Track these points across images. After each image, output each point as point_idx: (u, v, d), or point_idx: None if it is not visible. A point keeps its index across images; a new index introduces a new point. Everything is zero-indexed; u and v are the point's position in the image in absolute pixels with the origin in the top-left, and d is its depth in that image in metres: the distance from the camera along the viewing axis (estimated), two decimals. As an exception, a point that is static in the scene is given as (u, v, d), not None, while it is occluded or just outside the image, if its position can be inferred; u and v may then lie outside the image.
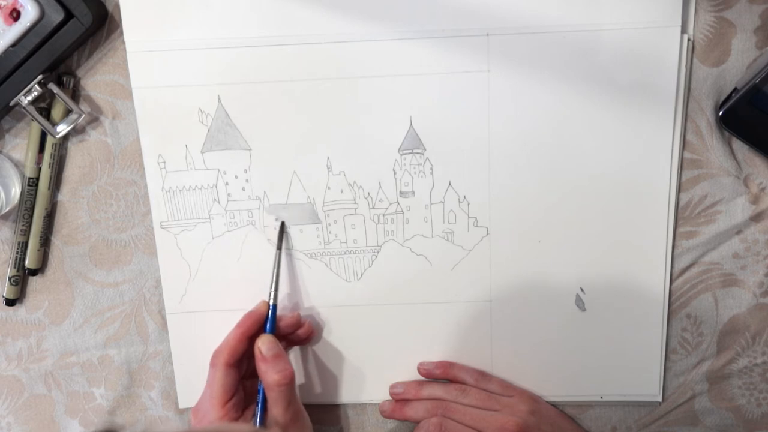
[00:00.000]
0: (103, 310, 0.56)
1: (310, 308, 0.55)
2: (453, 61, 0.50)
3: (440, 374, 0.54)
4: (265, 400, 0.49)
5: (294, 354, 0.56)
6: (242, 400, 0.50)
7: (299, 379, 0.56)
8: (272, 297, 0.51)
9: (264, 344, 0.49)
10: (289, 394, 0.48)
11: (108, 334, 0.56)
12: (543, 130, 0.51)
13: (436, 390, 0.53)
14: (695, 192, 0.52)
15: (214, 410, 0.48)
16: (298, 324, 0.53)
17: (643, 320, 0.54)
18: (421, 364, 0.55)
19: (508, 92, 0.50)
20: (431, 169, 0.52)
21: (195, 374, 0.53)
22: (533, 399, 0.54)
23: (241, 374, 0.51)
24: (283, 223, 0.53)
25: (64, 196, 0.54)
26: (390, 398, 0.55)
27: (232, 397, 0.49)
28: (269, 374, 0.48)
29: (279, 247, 0.52)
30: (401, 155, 0.52)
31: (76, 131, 0.53)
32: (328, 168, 0.52)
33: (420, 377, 0.55)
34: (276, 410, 0.48)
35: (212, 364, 0.50)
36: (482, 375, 0.54)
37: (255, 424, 0.49)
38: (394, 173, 0.52)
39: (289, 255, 0.54)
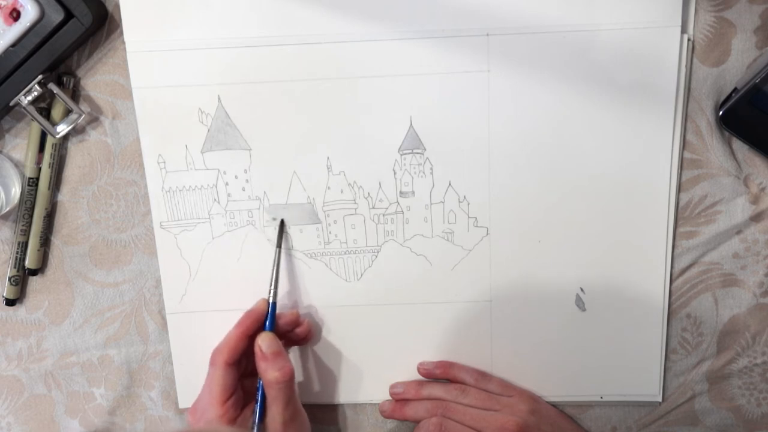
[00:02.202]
0: (103, 310, 0.56)
1: (310, 308, 0.55)
2: (453, 61, 0.50)
3: (440, 374, 0.54)
4: (264, 398, 0.49)
5: (294, 354, 0.56)
6: (241, 399, 0.50)
7: (299, 378, 0.56)
8: (272, 295, 0.51)
9: (264, 342, 0.49)
10: (289, 392, 0.48)
11: (108, 334, 0.56)
12: (543, 130, 0.51)
13: (436, 390, 0.53)
14: (695, 192, 0.52)
15: (213, 409, 0.48)
16: (297, 322, 0.53)
17: (643, 320, 0.54)
18: (421, 364, 0.55)
19: (508, 92, 0.50)
20: (431, 169, 0.52)
21: (195, 374, 0.53)
22: (533, 399, 0.54)
23: (240, 373, 0.51)
24: (282, 221, 0.53)
25: (64, 196, 0.54)
26: (390, 398, 0.55)
27: (231, 396, 0.49)
28: (269, 372, 0.48)
29: (279, 245, 0.52)
30: (401, 155, 0.52)
31: (76, 131, 0.53)
32: (328, 168, 0.52)
33: (420, 377, 0.55)
34: (275, 408, 0.48)
35: (212, 362, 0.50)
36: (482, 375, 0.54)
37: (254, 422, 0.49)
38: (394, 173, 0.52)
39: (289, 255, 0.54)
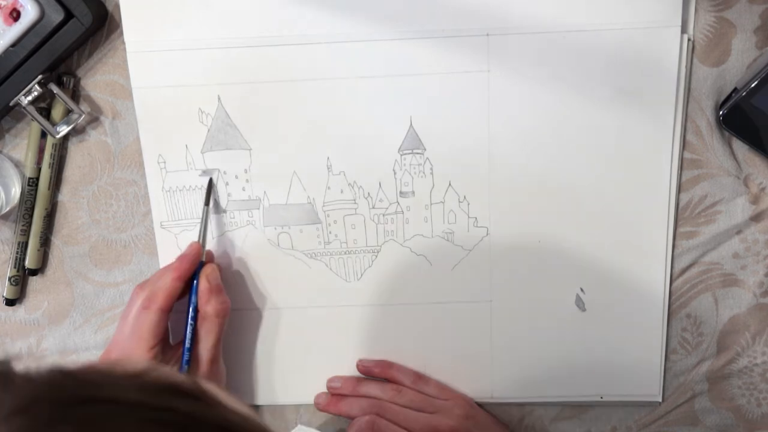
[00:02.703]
0: (103, 310, 0.56)
1: (311, 308, 0.55)
2: (453, 61, 0.50)
3: (379, 373, 0.55)
4: (192, 338, 0.49)
5: (295, 353, 0.56)
6: (167, 344, 0.50)
7: (300, 378, 0.56)
8: (203, 252, 0.51)
9: (211, 274, 0.50)
10: (221, 329, 0.49)
11: (108, 334, 0.56)
12: (543, 130, 0.51)
13: (373, 388, 0.54)
14: (695, 192, 0.52)
15: (140, 353, 0.47)
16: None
17: (643, 320, 0.54)
18: (360, 361, 0.55)
19: (508, 92, 0.50)
20: (431, 169, 0.52)
21: (195, 374, 0.53)
22: (469, 404, 0.54)
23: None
24: (210, 180, 0.52)
25: (64, 196, 0.54)
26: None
27: (159, 342, 0.48)
28: (212, 304, 0.49)
29: (207, 203, 0.52)
30: (401, 155, 0.52)
31: (76, 131, 0.53)
32: (328, 168, 0.52)
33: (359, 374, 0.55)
34: (206, 343, 0.49)
35: (145, 306, 0.48)
36: (420, 377, 0.54)
37: (184, 361, 0.49)
38: (394, 173, 0.52)
39: (289, 255, 0.54)
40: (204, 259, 0.51)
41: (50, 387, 0.22)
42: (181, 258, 0.50)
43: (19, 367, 0.23)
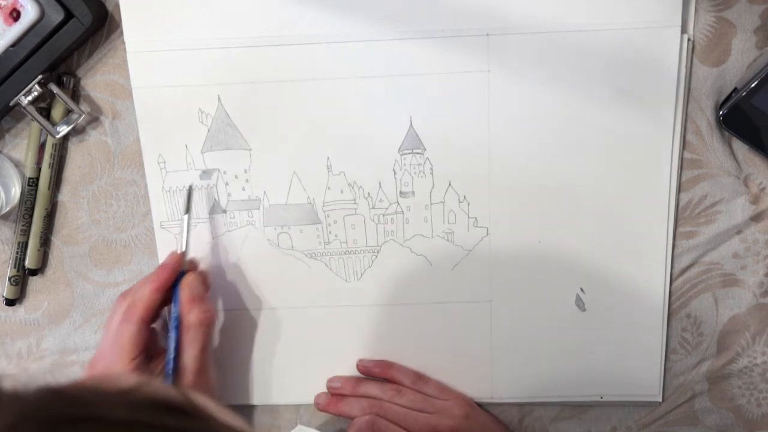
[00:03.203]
0: (103, 310, 0.56)
1: (311, 308, 0.55)
2: (453, 61, 0.50)
3: (378, 373, 0.55)
4: (177, 347, 0.48)
5: (295, 353, 0.56)
6: (148, 354, 0.50)
7: (300, 378, 0.56)
8: (184, 262, 0.51)
9: (192, 283, 0.49)
10: (206, 338, 0.49)
11: (108, 334, 0.56)
12: (543, 130, 0.51)
13: (372, 388, 0.54)
14: (695, 192, 0.52)
15: (121, 365, 0.47)
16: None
17: (643, 320, 0.54)
18: (360, 361, 0.55)
19: (508, 92, 0.50)
20: (431, 169, 0.52)
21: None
22: (469, 404, 0.54)
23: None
24: (190, 187, 0.52)
25: (64, 196, 0.54)
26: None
27: (141, 353, 0.48)
28: (193, 313, 0.48)
29: (186, 212, 0.51)
30: (401, 155, 0.52)
31: (76, 131, 0.53)
32: (328, 168, 0.52)
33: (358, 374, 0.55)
34: (190, 352, 0.48)
35: (125, 319, 0.48)
36: (419, 377, 0.54)
37: (168, 372, 0.48)
38: (394, 173, 0.52)
39: (289, 255, 0.54)
40: (186, 268, 0.51)
41: (38, 406, 0.22)
42: (160, 268, 0.50)
43: (6, 385, 0.23)
